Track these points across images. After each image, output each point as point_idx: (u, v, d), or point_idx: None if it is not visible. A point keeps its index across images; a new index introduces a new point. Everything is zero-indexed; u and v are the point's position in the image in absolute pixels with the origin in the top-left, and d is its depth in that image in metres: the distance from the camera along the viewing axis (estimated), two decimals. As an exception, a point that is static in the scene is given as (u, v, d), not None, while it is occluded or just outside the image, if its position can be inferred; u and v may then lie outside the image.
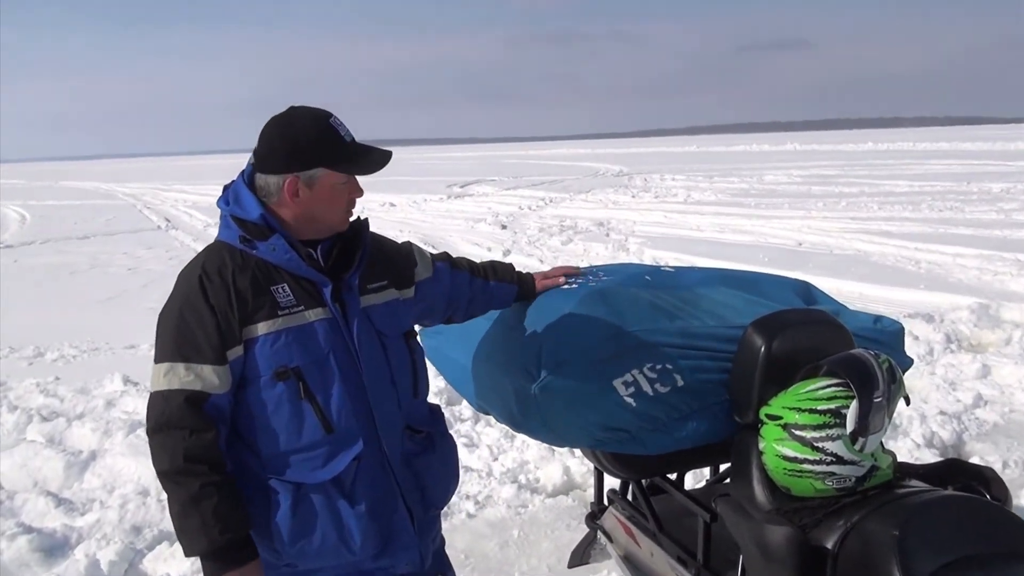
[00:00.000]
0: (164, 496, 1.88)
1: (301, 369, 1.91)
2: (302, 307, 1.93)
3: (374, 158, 1.99)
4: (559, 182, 30.17)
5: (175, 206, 25.72)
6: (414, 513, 2.09)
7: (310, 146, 1.92)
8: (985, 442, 4.82)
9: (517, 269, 2.63)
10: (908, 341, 6.19)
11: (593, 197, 22.78)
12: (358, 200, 2.05)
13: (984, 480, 2.17)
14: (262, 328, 1.89)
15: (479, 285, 2.47)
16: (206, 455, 1.83)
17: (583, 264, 2.97)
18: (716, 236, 13.91)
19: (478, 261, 2.56)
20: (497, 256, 12.41)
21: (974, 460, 4.29)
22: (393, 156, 2.03)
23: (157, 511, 4.04)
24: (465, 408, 5.19)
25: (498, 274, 2.54)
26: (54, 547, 3.80)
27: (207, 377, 1.85)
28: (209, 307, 1.87)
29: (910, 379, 5.66)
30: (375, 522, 1.99)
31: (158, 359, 1.89)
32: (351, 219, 2.06)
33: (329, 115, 1.96)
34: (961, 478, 2.20)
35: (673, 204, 19.57)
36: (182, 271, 1.98)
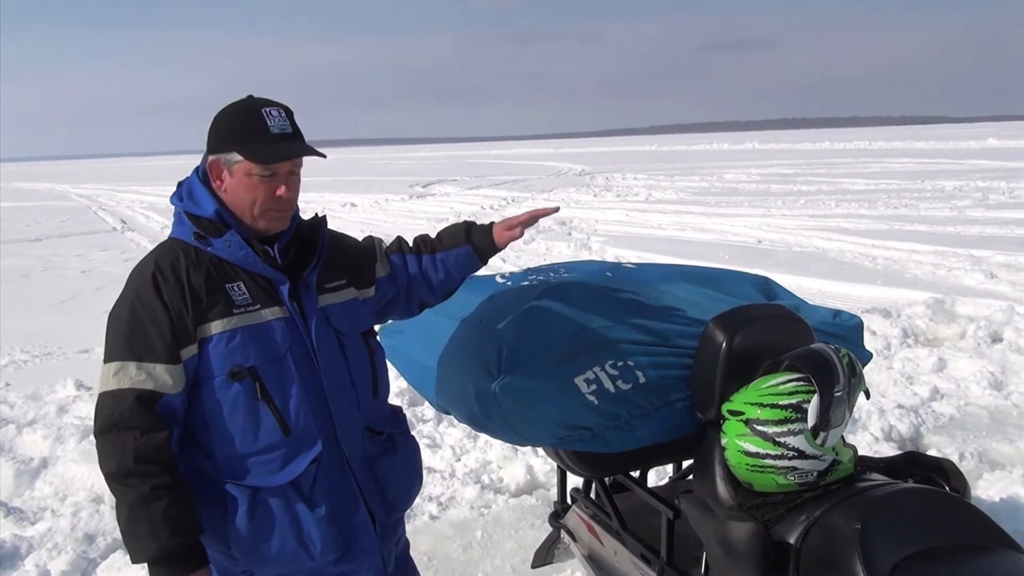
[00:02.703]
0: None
1: (257, 369, 1.86)
2: (258, 305, 1.89)
3: (282, 151, 1.88)
4: (521, 181, 30.19)
5: (131, 207, 25.26)
6: (376, 516, 2.05)
7: (230, 128, 1.90)
8: (942, 435, 4.90)
9: (472, 222, 2.36)
10: (866, 336, 6.27)
11: (555, 196, 22.82)
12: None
13: (943, 472, 2.19)
14: (216, 327, 1.84)
15: (426, 262, 2.29)
16: (157, 456, 1.77)
17: (544, 263, 2.94)
18: (677, 234, 14.02)
19: (431, 234, 2.36)
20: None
21: (932, 452, 4.35)
22: (328, 157, 1.96)
23: (111, 519, 3.93)
24: (427, 408, 5.15)
25: (444, 242, 2.31)
26: (3, 557, 3.69)
27: (159, 376, 1.79)
28: (163, 304, 1.82)
29: (868, 373, 5.73)
30: (335, 526, 1.95)
31: (108, 358, 1.83)
32: (278, 217, 1.94)
33: (268, 104, 1.91)
34: (920, 471, 2.22)
35: (635, 203, 19.67)
36: (134, 268, 1.93)
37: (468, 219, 2.41)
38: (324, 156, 1.98)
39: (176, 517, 1.76)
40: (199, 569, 1.81)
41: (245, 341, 1.85)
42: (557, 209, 2.41)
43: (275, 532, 1.89)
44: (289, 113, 1.93)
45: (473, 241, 2.29)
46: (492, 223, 2.31)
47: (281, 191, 1.90)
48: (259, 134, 1.87)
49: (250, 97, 1.94)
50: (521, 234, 2.29)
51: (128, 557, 3.57)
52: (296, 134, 1.92)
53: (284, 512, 1.90)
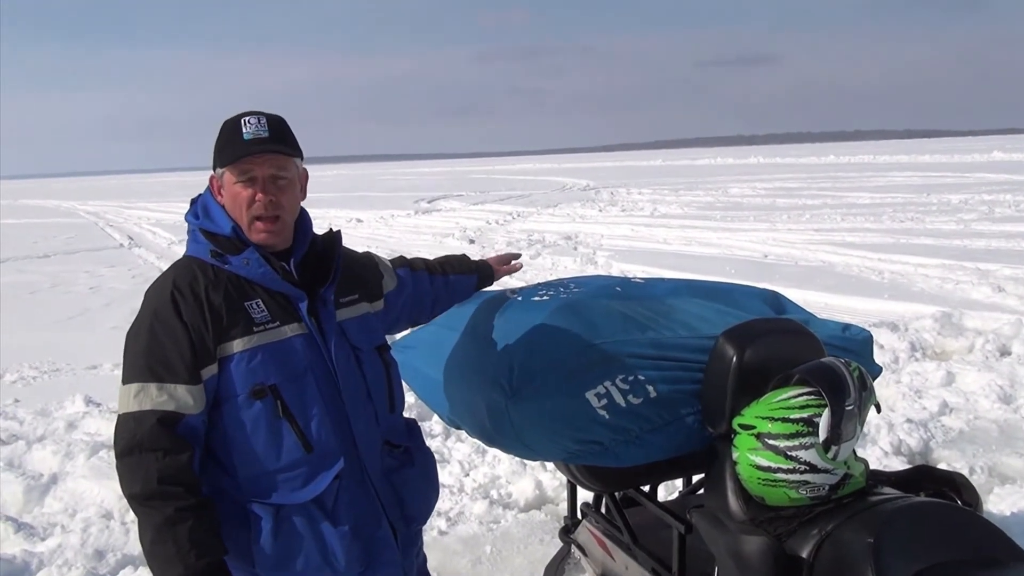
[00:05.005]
0: (128, 519, 1.82)
1: (278, 387, 1.86)
2: (278, 323, 1.89)
3: (242, 150, 1.87)
4: (526, 196, 30.26)
5: (138, 224, 25.37)
6: (397, 529, 2.06)
7: (216, 141, 1.93)
8: (951, 449, 4.88)
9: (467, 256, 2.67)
10: (874, 350, 6.26)
11: (560, 211, 22.87)
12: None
13: (955, 486, 2.18)
14: (238, 345, 1.84)
15: (440, 283, 2.49)
16: (181, 477, 1.77)
17: (551, 278, 2.96)
18: (683, 249, 14.03)
19: (432, 258, 2.59)
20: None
21: (942, 466, 4.34)
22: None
23: (121, 535, 3.93)
24: (436, 424, 5.15)
25: (455, 268, 2.57)
26: (14, 573, 3.69)
27: (180, 397, 1.79)
28: (182, 324, 1.81)
29: (877, 387, 5.72)
30: (358, 540, 1.95)
31: (127, 379, 1.82)
32: (266, 229, 1.92)
33: (249, 114, 1.91)
34: (932, 484, 2.21)
35: (640, 217, 19.70)
36: (150, 287, 1.93)
37: (459, 253, 2.72)
38: (292, 156, 1.95)
39: (201, 538, 1.75)
40: None
41: (266, 359, 1.85)
42: (520, 267, 2.81)
43: (300, 549, 1.89)
44: (274, 121, 1.92)
45: (479, 271, 2.63)
46: (485, 260, 2.71)
47: (259, 197, 1.89)
48: (233, 142, 1.88)
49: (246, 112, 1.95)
50: (521, 267, 2.76)
51: (139, 573, 3.57)
52: (275, 139, 1.90)
53: (308, 529, 1.90)
